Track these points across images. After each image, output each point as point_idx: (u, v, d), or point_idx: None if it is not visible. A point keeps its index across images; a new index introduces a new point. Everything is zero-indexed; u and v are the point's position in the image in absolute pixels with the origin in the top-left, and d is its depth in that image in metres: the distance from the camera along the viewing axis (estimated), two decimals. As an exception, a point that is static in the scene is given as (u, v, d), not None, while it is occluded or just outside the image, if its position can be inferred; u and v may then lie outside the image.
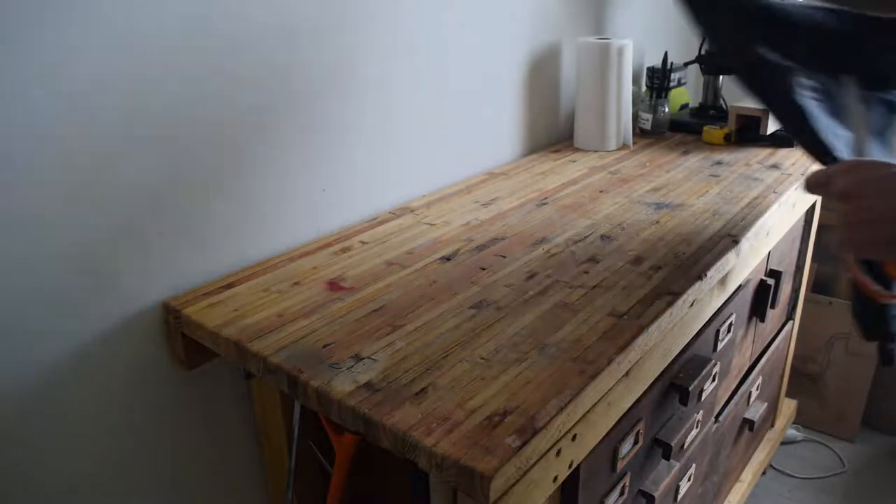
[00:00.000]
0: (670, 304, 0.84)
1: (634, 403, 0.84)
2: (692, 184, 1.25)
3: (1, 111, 0.71)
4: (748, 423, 1.41)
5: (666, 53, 1.58)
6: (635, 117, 1.60)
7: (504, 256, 0.98)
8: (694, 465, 1.13)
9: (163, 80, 0.83)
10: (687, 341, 0.94)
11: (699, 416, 1.07)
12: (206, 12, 0.85)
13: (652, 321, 0.81)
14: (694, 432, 1.07)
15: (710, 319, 1.01)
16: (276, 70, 0.96)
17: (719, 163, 1.37)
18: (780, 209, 1.16)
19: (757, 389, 1.42)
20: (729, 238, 1.02)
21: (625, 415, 0.82)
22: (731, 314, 1.12)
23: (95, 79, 0.77)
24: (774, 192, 1.20)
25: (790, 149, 1.43)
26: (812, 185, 0.59)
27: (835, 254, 0.58)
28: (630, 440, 0.88)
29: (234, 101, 0.92)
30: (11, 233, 0.74)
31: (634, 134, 1.59)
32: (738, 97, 1.51)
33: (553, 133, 1.57)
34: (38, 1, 0.71)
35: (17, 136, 0.72)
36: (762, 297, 1.28)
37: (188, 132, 0.87)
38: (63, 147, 0.76)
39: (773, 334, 1.50)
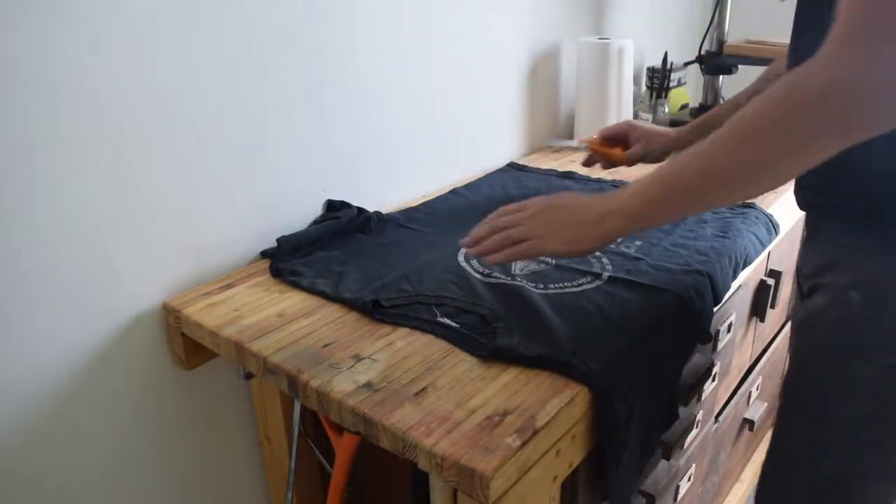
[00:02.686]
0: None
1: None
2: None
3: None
4: (748, 423, 1.41)
5: (666, 53, 1.58)
6: (635, 117, 1.60)
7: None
8: (694, 465, 1.13)
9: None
10: (687, 341, 0.94)
11: (699, 416, 1.07)
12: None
13: (652, 321, 0.80)
14: (694, 432, 1.07)
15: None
16: (273, 74, 0.96)
17: (719, 163, 1.37)
18: (780, 209, 1.16)
19: (757, 389, 1.42)
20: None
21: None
22: (731, 314, 1.12)
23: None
24: (774, 192, 1.20)
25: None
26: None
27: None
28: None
29: (237, 109, 0.92)
30: (11, 231, 0.74)
31: (634, 134, 1.58)
32: (738, 97, 1.50)
33: (553, 133, 1.57)
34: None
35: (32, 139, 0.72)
36: (762, 297, 1.28)
37: (194, 134, 0.88)
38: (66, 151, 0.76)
39: (773, 334, 1.50)
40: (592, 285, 0.87)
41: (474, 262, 0.94)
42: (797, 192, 0.80)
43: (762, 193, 0.67)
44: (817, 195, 0.77)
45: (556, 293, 0.85)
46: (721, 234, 1.00)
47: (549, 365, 0.72)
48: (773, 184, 0.63)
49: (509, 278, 0.89)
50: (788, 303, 1.53)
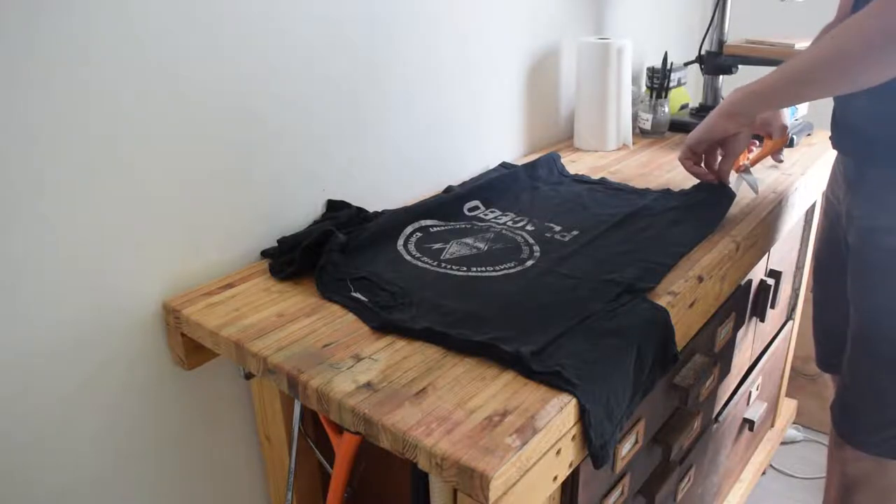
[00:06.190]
0: (671, 304, 0.84)
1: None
2: (693, 184, 1.25)
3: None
4: (748, 423, 1.41)
5: (666, 53, 1.58)
6: (635, 117, 1.60)
7: (504, 256, 0.98)
8: (694, 465, 1.13)
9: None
10: (687, 341, 0.94)
11: (699, 416, 1.07)
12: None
13: (652, 321, 0.80)
14: (694, 432, 1.07)
15: (709, 319, 1.01)
16: (272, 74, 0.96)
17: (719, 163, 1.37)
18: (780, 209, 1.16)
19: (757, 389, 1.43)
20: (729, 238, 1.02)
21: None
22: (731, 314, 1.12)
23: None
24: (774, 192, 1.20)
25: (790, 149, 1.43)
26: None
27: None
28: (630, 440, 0.88)
29: (237, 109, 0.92)
30: (11, 233, 0.74)
31: (634, 134, 1.58)
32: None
33: (553, 133, 1.57)
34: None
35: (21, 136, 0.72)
36: (762, 297, 1.28)
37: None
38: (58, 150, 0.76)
39: (773, 334, 1.50)
40: (514, 270, 0.93)
41: (410, 247, 1.00)
42: (837, 138, 0.92)
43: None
44: (862, 142, 0.87)
45: (477, 276, 0.92)
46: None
47: (432, 338, 0.77)
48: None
49: (435, 263, 0.95)
50: (788, 304, 1.53)
